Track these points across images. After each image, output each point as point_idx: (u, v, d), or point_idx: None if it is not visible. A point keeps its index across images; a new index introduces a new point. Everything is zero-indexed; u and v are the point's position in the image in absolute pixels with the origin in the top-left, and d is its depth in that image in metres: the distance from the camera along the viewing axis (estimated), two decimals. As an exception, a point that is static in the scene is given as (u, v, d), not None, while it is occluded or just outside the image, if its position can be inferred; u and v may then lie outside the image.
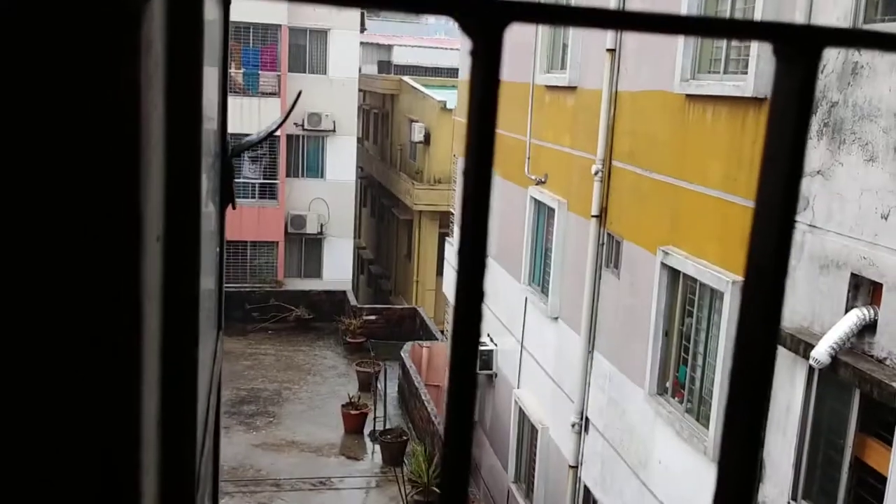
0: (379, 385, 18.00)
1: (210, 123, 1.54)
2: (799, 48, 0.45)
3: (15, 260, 0.54)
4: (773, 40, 0.45)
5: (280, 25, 24.87)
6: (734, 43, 8.03)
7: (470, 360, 0.45)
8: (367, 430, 17.25)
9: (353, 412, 17.22)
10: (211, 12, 1.55)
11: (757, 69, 7.31)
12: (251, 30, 24.71)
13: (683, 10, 8.52)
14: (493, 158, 0.43)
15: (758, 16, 7.34)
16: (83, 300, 0.56)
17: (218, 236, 1.80)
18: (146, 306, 0.63)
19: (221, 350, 2.06)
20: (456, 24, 0.42)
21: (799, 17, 6.79)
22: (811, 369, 6.46)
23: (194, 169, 1.02)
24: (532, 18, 0.42)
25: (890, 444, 5.85)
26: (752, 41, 0.48)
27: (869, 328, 6.00)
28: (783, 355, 6.84)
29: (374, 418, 17.16)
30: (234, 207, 1.91)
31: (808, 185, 6.66)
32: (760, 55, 7.29)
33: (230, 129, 2.33)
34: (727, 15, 8.09)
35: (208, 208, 1.45)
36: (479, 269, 0.43)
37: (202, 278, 1.31)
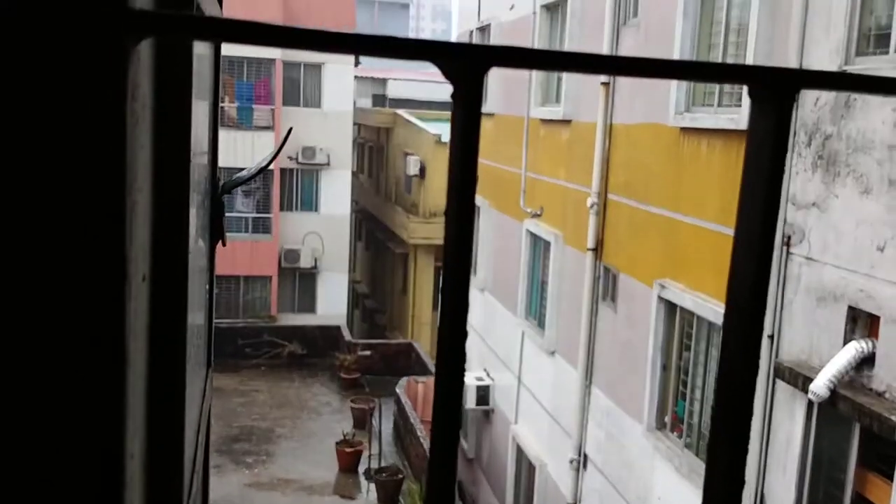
0: (374, 422, 17.82)
1: (200, 159, 1.51)
2: (773, 91, 0.46)
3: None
4: (749, 83, 0.47)
5: (274, 59, 25.05)
6: (727, 76, 8.09)
7: (455, 399, 0.45)
8: (361, 469, 17.04)
9: (347, 450, 17.01)
10: (201, 46, 1.52)
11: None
12: (245, 63, 24.88)
13: (676, 44, 8.59)
14: (475, 198, 0.43)
15: (750, 49, 7.40)
16: (65, 340, 0.56)
17: (208, 273, 1.77)
18: (131, 346, 0.63)
19: (211, 388, 2.01)
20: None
21: (791, 50, 6.84)
22: (810, 403, 6.40)
23: (182, 210, 1.02)
24: (511, 63, 0.43)
25: (891, 478, 5.77)
26: (728, 84, 0.49)
27: (867, 361, 5.96)
28: (782, 389, 6.78)
29: (369, 456, 16.96)
30: (223, 244, 1.88)
31: (804, 218, 6.66)
32: (754, 88, 7.32)
33: (224, 163, 2.30)
34: (720, 48, 8.16)
35: (198, 245, 1.42)
36: (461, 311, 0.44)
37: (191, 315, 1.27)
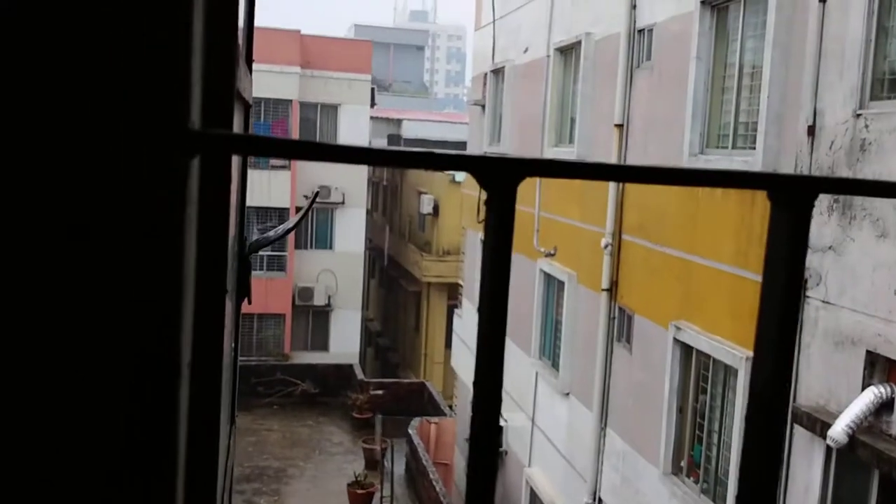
0: (386, 463, 17.67)
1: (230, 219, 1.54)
2: (793, 195, 0.48)
3: (64, 401, 0.58)
4: (770, 188, 0.49)
5: (291, 100, 25.33)
6: (742, 118, 8.12)
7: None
8: (373, 510, 16.87)
9: (359, 491, 16.85)
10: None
11: (765, 144, 7.36)
12: (262, 104, 25.19)
13: (690, 87, 8.64)
14: (508, 304, 0.45)
15: (763, 92, 7.43)
16: (122, 428, 0.59)
17: (234, 331, 1.78)
18: (179, 429, 0.64)
19: (234, 445, 2.01)
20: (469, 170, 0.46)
21: (805, 94, 6.86)
22: (829, 449, 6.31)
23: (220, 297, 1.04)
24: (543, 173, 0.46)
25: (914, 528, 5.66)
26: (749, 189, 0.51)
27: (886, 406, 5.89)
28: (800, 434, 6.69)
29: (381, 498, 16.79)
30: (249, 302, 1.90)
31: (821, 261, 6.63)
32: (768, 131, 7.35)
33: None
34: (734, 91, 8.20)
35: (226, 307, 1.44)
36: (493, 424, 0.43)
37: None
